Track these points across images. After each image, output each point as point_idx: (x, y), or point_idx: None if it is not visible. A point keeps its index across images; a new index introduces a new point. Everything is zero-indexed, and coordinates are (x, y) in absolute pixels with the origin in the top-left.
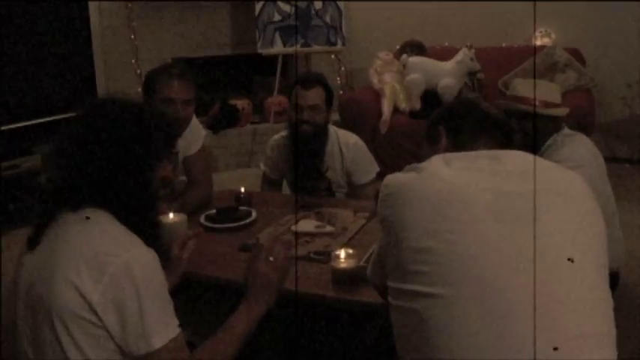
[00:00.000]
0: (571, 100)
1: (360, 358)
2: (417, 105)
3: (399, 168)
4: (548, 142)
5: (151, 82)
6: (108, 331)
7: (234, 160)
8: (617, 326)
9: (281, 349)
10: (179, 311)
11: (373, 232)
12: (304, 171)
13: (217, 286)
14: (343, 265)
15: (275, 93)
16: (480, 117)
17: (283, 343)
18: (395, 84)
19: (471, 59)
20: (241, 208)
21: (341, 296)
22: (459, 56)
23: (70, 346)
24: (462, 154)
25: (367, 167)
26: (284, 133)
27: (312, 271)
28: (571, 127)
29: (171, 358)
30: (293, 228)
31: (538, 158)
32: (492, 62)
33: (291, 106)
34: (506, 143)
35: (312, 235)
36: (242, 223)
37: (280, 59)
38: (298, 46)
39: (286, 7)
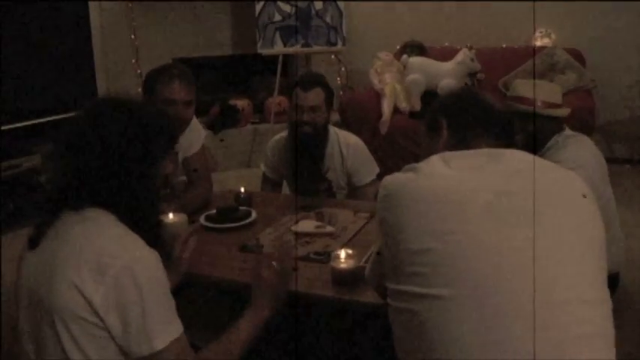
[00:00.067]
0: (571, 101)
1: (360, 358)
2: (417, 105)
3: (399, 168)
4: (550, 142)
5: (151, 83)
6: (109, 332)
7: (234, 160)
8: (617, 327)
9: (281, 349)
10: (178, 311)
11: (373, 233)
12: (304, 172)
13: (217, 286)
14: (343, 266)
15: (275, 93)
16: (482, 111)
17: (283, 343)
18: (395, 84)
19: (472, 60)
20: (241, 208)
21: (341, 296)
22: (460, 57)
23: (71, 346)
24: (462, 152)
25: (367, 168)
26: (284, 133)
27: (312, 271)
28: (571, 128)
29: (174, 359)
30: (293, 228)
31: (537, 158)
32: (492, 63)
33: (292, 107)
34: (507, 139)
35: (312, 235)
36: (242, 223)
37: (280, 59)
38: (298, 46)
39: (286, 7)
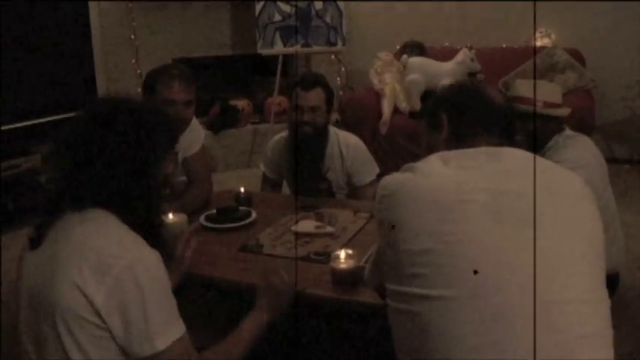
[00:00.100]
0: (571, 101)
1: (360, 358)
2: (417, 105)
3: (399, 168)
4: (550, 143)
5: (151, 83)
6: (110, 333)
7: (234, 160)
8: (617, 327)
9: (281, 349)
10: (178, 311)
11: (373, 233)
12: (304, 172)
13: (216, 286)
14: (343, 266)
15: (275, 93)
16: (484, 107)
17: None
18: (395, 84)
19: (472, 60)
20: (241, 208)
21: (341, 296)
22: (460, 57)
23: (72, 346)
24: (461, 151)
25: (367, 168)
26: (284, 133)
27: (312, 272)
28: (571, 128)
29: (176, 359)
30: (293, 228)
31: (537, 157)
32: (492, 63)
33: (292, 107)
34: (508, 136)
35: (312, 235)
36: (242, 223)
37: (280, 59)
38: (298, 46)
39: (286, 8)
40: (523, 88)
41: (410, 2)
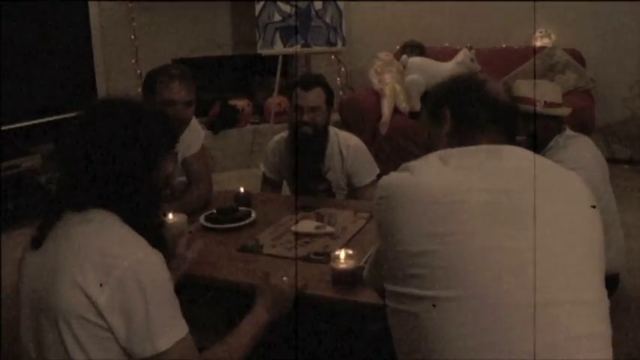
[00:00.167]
0: (571, 101)
1: (360, 358)
2: (417, 106)
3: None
4: (550, 143)
5: (151, 83)
6: (113, 333)
7: (234, 160)
8: (618, 327)
9: (281, 349)
10: None
11: (373, 233)
12: (304, 172)
13: (216, 286)
14: (343, 266)
15: (275, 93)
16: (488, 102)
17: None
18: (395, 84)
19: (471, 60)
20: (241, 208)
21: (341, 296)
22: (459, 57)
23: (73, 346)
24: (461, 150)
25: (367, 169)
26: (284, 134)
27: (312, 272)
28: (571, 128)
29: (178, 359)
30: (293, 228)
31: (537, 156)
32: (492, 63)
33: (292, 107)
34: (510, 132)
35: (312, 235)
36: (242, 223)
37: (280, 59)
38: (298, 46)
39: (286, 8)
40: (523, 88)
41: (410, 2)
